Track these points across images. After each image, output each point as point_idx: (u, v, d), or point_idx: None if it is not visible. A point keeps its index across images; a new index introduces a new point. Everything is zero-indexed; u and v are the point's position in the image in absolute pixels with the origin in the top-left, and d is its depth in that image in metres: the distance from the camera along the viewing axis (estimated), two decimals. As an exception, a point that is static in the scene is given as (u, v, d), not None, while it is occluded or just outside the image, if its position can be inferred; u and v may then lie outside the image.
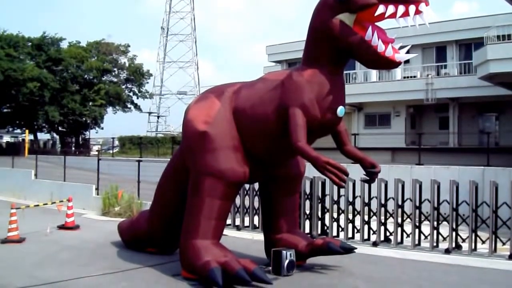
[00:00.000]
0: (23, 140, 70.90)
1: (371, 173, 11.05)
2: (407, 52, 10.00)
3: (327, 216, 16.08)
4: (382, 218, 15.15)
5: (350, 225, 15.71)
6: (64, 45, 73.85)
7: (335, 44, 10.21)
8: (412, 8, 9.21)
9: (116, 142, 67.46)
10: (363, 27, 9.93)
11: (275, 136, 10.65)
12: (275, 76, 11.26)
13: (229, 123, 11.14)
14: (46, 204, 19.59)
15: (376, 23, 9.99)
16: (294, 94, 10.33)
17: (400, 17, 9.40)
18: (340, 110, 10.45)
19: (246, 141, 11.08)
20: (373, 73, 44.08)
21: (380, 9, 9.43)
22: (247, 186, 16.63)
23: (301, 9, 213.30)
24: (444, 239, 14.47)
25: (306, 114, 10.15)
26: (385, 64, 10.01)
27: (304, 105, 10.19)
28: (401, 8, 9.28)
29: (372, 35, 9.69)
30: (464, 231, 14.40)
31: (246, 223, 17.67)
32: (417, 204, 14.70)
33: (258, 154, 11.16)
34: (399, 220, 14.92)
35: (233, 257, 10.40)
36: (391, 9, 9.35)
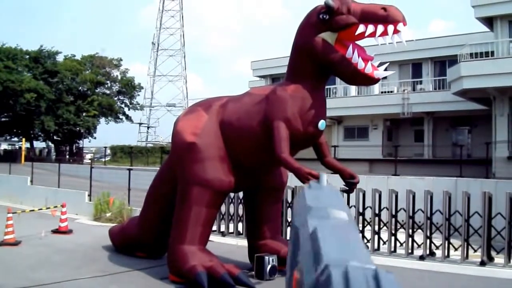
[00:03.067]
0: (20, 148, 70.63)
1: (350, 184, 11.10)
2: (385, 69, 10.08)
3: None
4: (360, 226, 15.14)
5: (329, 232, 15.67)
6: (60, 58, 73.66)
7: (317, 61, 10.27)
8: (390, 28, 9.32)
9: (108, 151, 67.29)
10: (344, 45, 10.01)
11: (260, 147, 10.67)
12: (260, 91, 11.33)
13: (216, 134, 11.16)
14: (41, 209, 19.53)
15: (356, 42, 10.07)
16: (278, 108, 10.36)
17: (379, 36, 9.49)
18: (321, 124, 10.49)
19: (232, 152, 11.10)
20: (352, 88, 44.07)
21: (360, 28, 9.56)
22: (232, 194, 16.58)
23: (286, 26, 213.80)
24: (419, 246, 14.48)
25: (289, 127, 10.19)
26: (365, 80, 10.08)
27: (288, 119, 10.22)
28: (380, 28, 9.39)
29: (353, 53, 9.80)
30: (437, 239, 14.42)
31: (231, 229, 17.61)
32: (393, 213, 14.71)
33: (243, 164, 11.17)
34: (376, 228, 14.94)
35: (218, 262, 10.42)
36: (370, 28, 9.46)
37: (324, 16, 9.97)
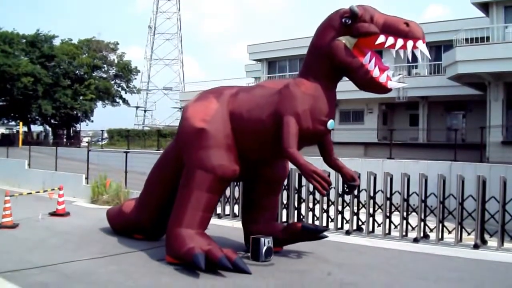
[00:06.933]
0: (18, 131, 70.58)
1: (351, 186, 11.27)
2: (398, 80, 10.28)
3: (303, 206, 16.10)
4: (355, 208, 15.20)
5: (324, 215, 15.75)
6: (56, 42, 73.37)
7: (334, 63, 10.34)
8: (410, 43, 9.56)
9: (105, 134, 67.14)
10: (361, 51, 10.18)
11: (268, 139, 10.69)
12: (272, 85, 11.33)
13: (225, 123, 11.13)
14: (39, 192, 19.59)
15: (374, 50, 10.22)
16: (290, 103, 10.38)
17: (399, 49, 9.76)
18: (330, 123, 10.55)
19: (240, 141, 11.08)
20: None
21: (381, 38, 9.77)
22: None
23: (282, 11, 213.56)
24: (413, 228, 14.52)
25: (299, 124, 10.23)
26: (379, 88, 10.23)
27: (298, 115, 10.26)
28: (400, 41, 9.63)
29: (370, 60, 9.98)
30: (431, 222, 14.48)
31: (227, 211, 17.70)
32: (388, 195, 14.76)
33: (249, 155, 11.20)
34: (371, 210, 15.00)
35: (216, 246, 10.41)
36: (390, 40, 9.69)
37: (347, 21, 10.06)
